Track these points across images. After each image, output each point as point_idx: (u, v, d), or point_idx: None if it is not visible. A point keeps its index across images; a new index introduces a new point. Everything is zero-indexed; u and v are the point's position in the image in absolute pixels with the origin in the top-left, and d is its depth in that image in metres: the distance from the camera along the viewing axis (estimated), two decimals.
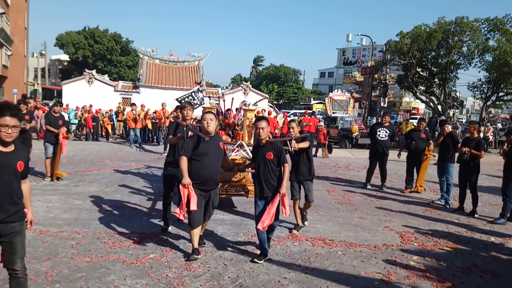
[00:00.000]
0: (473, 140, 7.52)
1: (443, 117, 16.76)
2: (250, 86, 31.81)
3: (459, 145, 7.90)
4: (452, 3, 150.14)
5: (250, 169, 5.73)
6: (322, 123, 17.80)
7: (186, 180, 4.62)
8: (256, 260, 4.81)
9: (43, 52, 46.35)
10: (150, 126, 17.84)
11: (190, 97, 8.60)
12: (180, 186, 4.64)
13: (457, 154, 8.11)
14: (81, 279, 4.10)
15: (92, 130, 18.58)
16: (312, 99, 60.01)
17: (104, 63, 51.03)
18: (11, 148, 3.11)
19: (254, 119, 8.12)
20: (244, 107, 7.92)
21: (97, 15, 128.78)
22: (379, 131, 9.55)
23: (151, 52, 30.91)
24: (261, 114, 14.20)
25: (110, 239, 5.33)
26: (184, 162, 4.69)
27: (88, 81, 28.39)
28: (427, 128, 10.42)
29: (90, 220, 6.15)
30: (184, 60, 31.74)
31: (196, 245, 4.84)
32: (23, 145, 3.36)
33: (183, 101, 7.90)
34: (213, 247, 5.24)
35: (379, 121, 10.21)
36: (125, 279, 4.15)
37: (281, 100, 63.71)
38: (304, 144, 5.90)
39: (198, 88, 9.67)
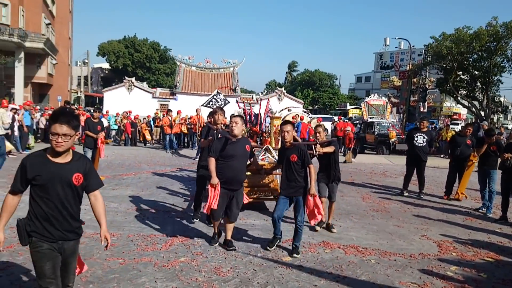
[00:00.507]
0: None
1: (485, 123, 16.01)
2: (284, 91, 31.81)
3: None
4: (496, 5, 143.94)
5: (277, 171, 5.97)
6: (349, 128, 17.83)
7: (215, 180, 4.98)
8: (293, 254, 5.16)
9: (86, 60, 48.42)
10: (185, 131, 18.17)
11: (213, 101, 8.92)
12: (209, 185, 5.05)
13: (499, 161, 7.72)
14: (113, 280, 4.19)
15: (130, 136, 19.14)
16: (348, 104, 59.15)
17: (143, 71, 52.68)
18: (67, 158, 2.86)
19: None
20: (270, 115, 8.11)
21: (136, 24, 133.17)
22: (417, 136, 9.24)
23: (187, 59, 31.60)
24: (294, 120, 14.14)
25: (143, 242, 5.44)
26: (212, 162, 5.06)
27: (128, 88, 29.37)
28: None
29: (125, 223, 6.31)
30: (219, 67, 32.23)
31: (216, 230, 5.49)
32: (83, 156, 3.06)
33: (207, 106, 8.34)
34: (243, 253, 5.23)
35: (417, 126, 9.86)
36: (155, 282, 4.21)
37: (316, 106, 63.19)
38: (329, 149, 6.12)
39: (217, 91, 10.15)
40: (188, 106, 24.50)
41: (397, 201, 8.91)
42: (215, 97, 9.60)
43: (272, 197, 7.12)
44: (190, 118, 18.65)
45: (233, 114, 5.79)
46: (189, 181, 10.10)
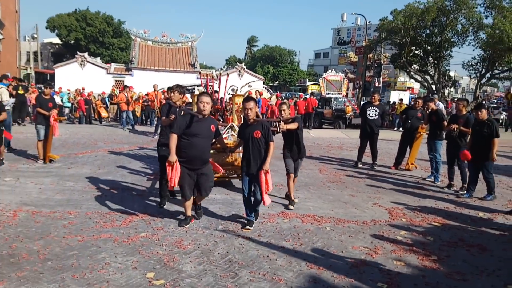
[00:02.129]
0: (462, 117, 7.57)
1: (436, 96, 16.77)
2: (244, 67, 31.59)
3: (445, 122, 8.01)
4: None
5: (240, 148, 5.83)
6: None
7: (173, 157, 4.87)
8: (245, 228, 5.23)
9: (35, 35, 45.62)
10: (139, 108, 17.83)
11: (193, 87, 8.97)
12: (167, 163, 4.92)
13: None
14: (72, 257, 4.16)
15: (85, 113, 18.50)
16: (307, 80, 59.76)
17: (97, 46, 50.42)
18: None
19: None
20: (232, 92, 8.02)
21: None
22: (369, 110, 9.58)
23: (143, 33, 30.57)
24: (253, 95, 14.17)
25: (101, 219, 5.39)
26: (173, 139, 4.90)
27: (81, 64, 28.13)
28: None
29: (82, 201, 6.20)
30: (177, 42, 31.43)
31: (188, 214, 5.29)
32: None
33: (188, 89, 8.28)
34: (204, 226, 5.32)
35: (369, 100, 10.20)
36: (116, 257, 4.22)
37: (277, 82, 63.41)
38: (293, 126, 6.11)
39: (199, 86, 10.16)
40: (145, 82, 23.88)
41: (352, 172, 9.28)
42: (197, 87, 9.52)
43: (235, 175, 7.17)
44: (147, 94, 18.23)
45: (203, 92, 5.54)
46: (148, 159, 9.98)
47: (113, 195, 6.61)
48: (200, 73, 27.05)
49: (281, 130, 5.88)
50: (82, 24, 49.69)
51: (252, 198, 5.35)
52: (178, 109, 5.88)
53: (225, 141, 6.67)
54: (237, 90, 8.12)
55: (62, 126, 17.18)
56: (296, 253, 4.52)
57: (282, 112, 6.22)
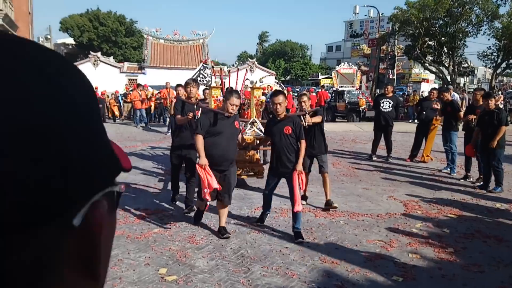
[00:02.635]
0: (479, 107, 7.39)
1: (451, 87, 16.46)
2: (256, 63, 31.50)
3: (461, 113, 7.84)
4: None
5: (264, 146, 5.55)
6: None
7: (203, 160, 4.42)
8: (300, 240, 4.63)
9: (48, 36, 46.26)
10: (153, 106, 17.93)
11: (200, 76, 8.44)
12: (197, 166, 4.52)
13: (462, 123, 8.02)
14: None
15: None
16: (320, 74, 59.30)
17: (110, 45, 50.88)
18: None
19: (264, 96, 8.03)
20: (250, 85, 7.74)
21: None
22: (383, 102, 9.43)
23: (155, 32, 30.67)
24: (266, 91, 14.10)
25: None
26: (200, 141, 4.49)
27: (94, 64, 28.41)
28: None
29: None
30: (188, 39, 31.47)
31: (222, 224, 4.79)
32: None
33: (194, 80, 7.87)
34: (216, 221, 5.30)
35: (382, 92, 10.05)
36: (128, 253, 4.23)
37: (289, 76, 63.12)
38: (317, 119, 5.76)
39: (203, 65, 9.42)
40: (158, 80, 23.97)
41: (366, 165, 9.16)
42: (201, 71, 8.92)
43: (252, 173, 6.73)
44: (159, 92, 18.32)
45: (232, 91, 4.96)
46: (160, 157, 10.02)
47: (126, 193, 6.64)
48: (212, 68, 27.10)
49: (306, 124, 5.37)
50: (95, 24, 50.22)
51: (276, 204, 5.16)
52: (196, 106, 5.54)
53: (248, 137, 6.38)
54: (256, 83, 7.75)
55: None
56: (309, 248, 4.47)
57: (303, 103, 5.80)
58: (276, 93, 4.90)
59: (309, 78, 60.99)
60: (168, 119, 16.12)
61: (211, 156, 4.46)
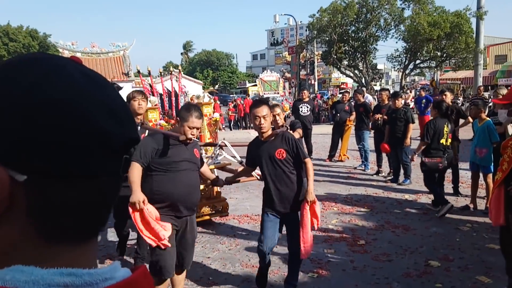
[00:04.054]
0: (384, 106, 8.00)
1: (364, 89, 17.60)
2: (182, 73, 31.21)
3: (371, 113, 8.46)
4: None
5: (245, 178, 4.15)
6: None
7: (137, 196, 3.01)
8: None
9: None
10: None
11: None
12: (130, 209, 3.04)
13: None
14: None
15: None
16: (247, 82, 60.24)
17: None
18: None
19: (217, 114, 6.48)
20: (196, 100, 5.94)
21: (7, 10, 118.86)
22: (301, 107, 9.84)
23: (71, 45, 29.19)
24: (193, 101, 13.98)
25: None
26: (136, 170, 3.07)
27: None
28: (351, 100, 10.87)
29: None
30: (108, 51, 30.33)
31: None
32: None
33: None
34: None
35: (299, 97, 10.51)
36: None
37: (217, 85, 63.35)
38: (299, 132, 5.24)
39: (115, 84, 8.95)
40: None
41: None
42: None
43: (214, 211, 5.48)
44: None
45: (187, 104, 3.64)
46: None
47: None
48: (134, 81, 26.32)
49: None
50: (4, 39, 46.78)
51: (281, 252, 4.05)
52: (140, 126, 4.01)
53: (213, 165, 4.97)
54: (203, 97, 6.11)
55: None
56: (230, 255, 4.53)
57: (277, 117, 4.65)
58: (257, 103, 3.57)
59: (237, 87, 61.70)
60: None
61: (167, 197, 3.11)
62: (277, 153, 3.45)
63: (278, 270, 4.11)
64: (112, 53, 30.25)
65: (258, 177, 3.94)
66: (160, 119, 5.47)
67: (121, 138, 0.50)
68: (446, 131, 5.78)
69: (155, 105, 5.50)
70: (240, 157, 4.39)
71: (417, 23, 22.14)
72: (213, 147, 5.01)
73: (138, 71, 6.45)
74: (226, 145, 4.54)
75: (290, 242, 3.59)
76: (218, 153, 4.76)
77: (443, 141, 5.78)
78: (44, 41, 50.39)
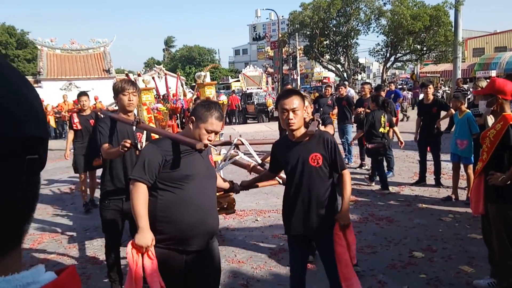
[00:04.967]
0: (366, 100, 8.06)
1: (346, 83, 17.77)
2: (163, 69, 30.89)
3: (353, 107, 8.52)
4: None
5: (266, 182, 3.44)
6: None
7: (145, 236, 2.25)
8: None
9: None
10: (52, 122, 16.71)
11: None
12: (130, 246, 2.29)
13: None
14: None
15: None
16: (230, 77, 60.07)
17: None
18: None
19: (225, 97, 5.97)
20: (198, 80, 5.32)
21: None
22: None
23: (49, 42, 28.60)
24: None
25: None
26: (142, 194, 2.32)
27: None
28: (333, 94, 10.91)
29: None
30: (88, 48, 29.81)
31: None
32: None
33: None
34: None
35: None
36: None
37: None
38: (330, 129, 4.46)
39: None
40: (57, 93, 22.40)
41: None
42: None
43: (218, 208, 3.70)
44: (57, 106, 17.13)
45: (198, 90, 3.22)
46: (60, 174, 9.37)
47: None
48: (115, 78, 25.94)
49: None
50: None
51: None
52: (134, 125, 3.14)
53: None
54: (205, 76, 5.26)
55: None
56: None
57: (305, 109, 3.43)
58: (287, 93, 2.81)
59: (220, 82, 61.49)
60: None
61: (174, 225, 2.33)
62: (311, 158, 2.70)
63: (264, 265, 4.10)
64: (92, 49, 29.74)
65: (281, 181, 3.27)
66: (156, 102, 4.96)
67: (9, 138, 0.43)
68: (384, 121, 6.65)
69: (150, 85, 4.87)
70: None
71: (400, 15, 22.33)
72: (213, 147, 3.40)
73: (126, 74, 5.89)
74: (242, 143, 3.60)
75: (326, 273, 2.87)
76: (230, 155, 3.74)
77: (381, 129, 6.66)
78: (22, 38, 49.19)
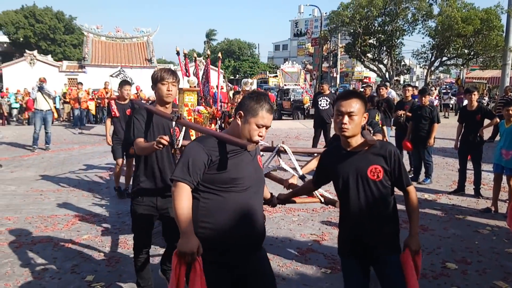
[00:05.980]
0: (407, 103, 7.80)
1: (388, 84, 17.28)
2: (203, 61, 31.26)
3: (394, 109, 8.25)
4: None
5: (304, 197, 3.07)
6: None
7: (191, 241, 2.01)
8: None
9: None
10: (92, 107, 17.23)
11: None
12: (175, 256, 2.05)
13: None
14: (7, 265, 3.96)
15: None
16: (268, 72, 60.02)
17: (48, 43, 48.37)
18: None
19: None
20: (245, 87, 4.92)
21: None
22: (321, 100, 9.68)
23: (96, 29, 29.55)
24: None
25: (42, 223, 5.16)
26: (185, 197, 2.08)
27: (30, 63, 26.89)
28: (374, 95, 10.62)
29: (23, 205, 5.91)
30: (132, 36, 30.60)
31: None
32: None
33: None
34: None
35: (319, 90, 10.34)
36: (54, 262, 4.05)
37: (238, 75, 63.30)
38: (380, 136, 4.24)
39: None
40: (100, 79, 23.09)
41: (306, 161, 9.35)
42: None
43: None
44: (98, 91, 17.68)
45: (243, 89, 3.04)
46: (98, 158, 9.67)
47: (58, 198, 6.34)
48: (156, 67, 26.45)
49: None
50: (31, 20, 47.54)
51: None
52: (173, 120, 2.72)
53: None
54: (251, 83, 4.91)
55: (10, 128, 16.42)
56: None
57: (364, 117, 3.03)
58: (346, 94, 2.40)
59: (258, 78, 61.60)
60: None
61: (217, 233, 2.12)
62: (370, 171, 2.34)
63: (290, 264, 4.06)
64: (136, 38, 30.46)
65: (322, 199, 3.02)
66: (198, 105, 4.71)
67: None
68: (378, 119, 6.43)
69: (194, 86, 4.64)
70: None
71: (451, 18, 21.39)
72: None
73: (178, 52, 5.18)
74: (285, 151, 3.13)
75: None
76: (270, 162, 3.21)
77: None
78: (69, 24, 51.09)
